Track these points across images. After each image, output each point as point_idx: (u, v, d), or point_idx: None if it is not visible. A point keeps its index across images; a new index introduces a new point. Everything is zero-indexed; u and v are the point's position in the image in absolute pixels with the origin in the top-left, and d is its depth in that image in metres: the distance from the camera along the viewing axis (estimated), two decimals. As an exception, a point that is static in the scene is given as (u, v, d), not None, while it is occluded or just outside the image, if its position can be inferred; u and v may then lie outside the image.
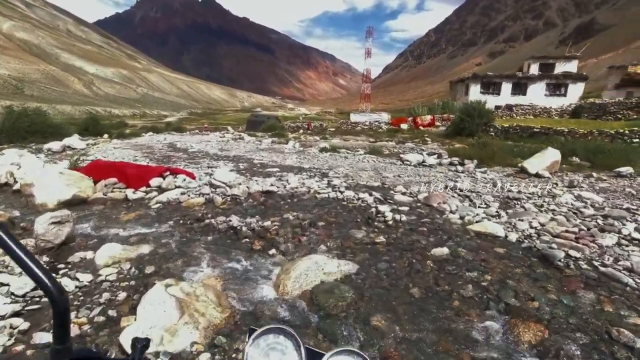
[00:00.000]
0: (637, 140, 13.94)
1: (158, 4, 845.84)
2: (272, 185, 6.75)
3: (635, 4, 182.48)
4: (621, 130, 14.22)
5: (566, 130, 15.62)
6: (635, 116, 23.45)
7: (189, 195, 6.04)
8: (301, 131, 31.19)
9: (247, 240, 4.16)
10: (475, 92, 32.19)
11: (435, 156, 10.75)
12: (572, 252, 3.54)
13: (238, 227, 4.41)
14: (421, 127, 27.67)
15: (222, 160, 11.75)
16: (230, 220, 4.61)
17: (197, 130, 39.74)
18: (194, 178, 7.22)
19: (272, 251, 3.86)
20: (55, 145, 16.56)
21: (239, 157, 13.19)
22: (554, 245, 3.72)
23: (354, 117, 36.52)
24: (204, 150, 16.34)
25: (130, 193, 6.11)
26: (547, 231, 4.12)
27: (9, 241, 0.40)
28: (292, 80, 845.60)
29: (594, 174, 7.90)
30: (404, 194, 6.16)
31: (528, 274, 3.26)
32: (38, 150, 16.38)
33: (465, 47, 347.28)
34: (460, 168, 8.61)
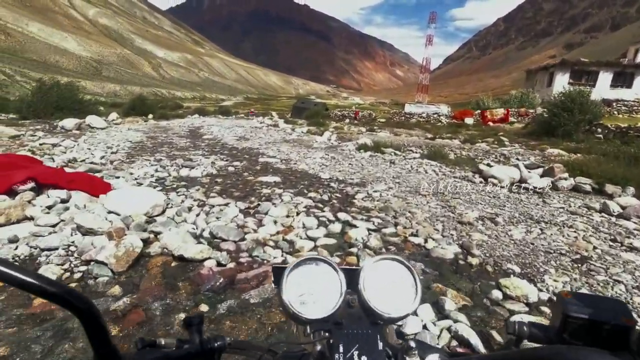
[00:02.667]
0: None
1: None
2: (213, 242, 3.04)
3: None
4: None
5: None
6: None
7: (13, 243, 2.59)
8: (347, 121, 27.19)
9: None
10: (561, 83, 25.74)
11: (540, 171, 6.41)
12: None
13: None
14: (490, 123, 22.40)
15: (217, 155, 8.35)
16: None
17: (242, 115, 37.53)
18: (97, 195, 3.78)
19: None
20: (69, 123, 14.49)
21: (249, 149, 9.72)
22: None
23: (408, 108, 31.72)
24: (220, 137, 13.20)
25: None
26: None
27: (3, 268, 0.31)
28: (348, 70, 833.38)
29: None
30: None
31: None
32: (53, 127, 14.38)
33: (538, 37, 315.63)
34: (613, 207, 4.19)
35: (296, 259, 0.54)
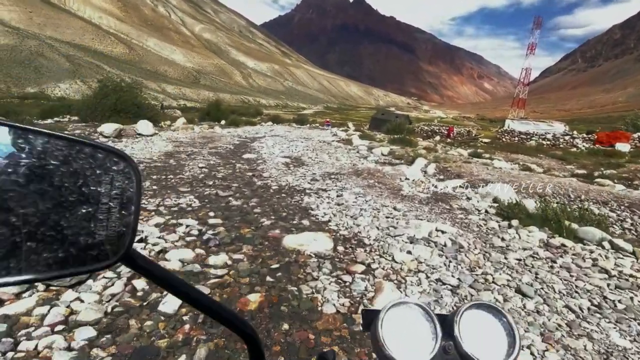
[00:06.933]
0: None
1: (314, 7, 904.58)
2: None
3: None
4: None
5: None
6: None
7: None
8: (437, 138, 21.57)
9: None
10: None
11: None
12: None
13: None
14: (658, 152, 14.93)
15: (212, 215, 4.10)
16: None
17: (318, 124, 34.00)
18: None
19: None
20: (108, 128, 11.78)
21: (287, 193, 5.31)
22: None
23: (511, 125, 24.72)
24: (267, 157, 9.13)
25: None
26: None
27: (194, 294, 0.41)
28: (431, 82, 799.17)
29: None
30: None
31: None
32: (91, 133, 11.90)
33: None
34: None
35: (390, 303, 0.53)
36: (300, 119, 37.71)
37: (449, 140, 20.58)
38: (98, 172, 0.32)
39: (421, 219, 4.44)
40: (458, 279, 2.87)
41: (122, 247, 0.33)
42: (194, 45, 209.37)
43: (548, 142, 17.80)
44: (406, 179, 7.28)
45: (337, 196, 5.46)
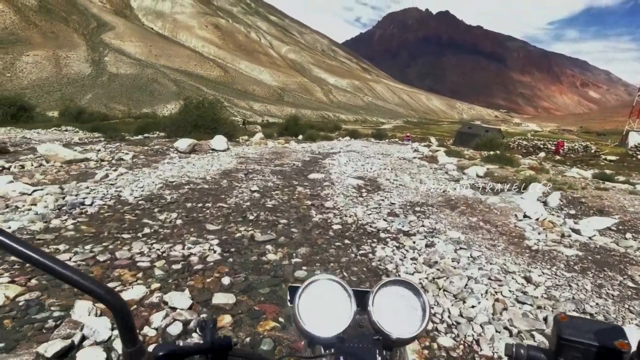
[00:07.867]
0: None
1: (395, 22, 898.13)
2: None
3: None
4: None
5: None
6: None
7: None
8: (541, 155, 17.84)
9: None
10: None
11: None
12: None
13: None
14: None
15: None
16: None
17: (397, 139, 32.04)
18: None
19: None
20: (183, 144, 11.72)
21: (359, 235, 3.69)
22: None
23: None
24: (335, 178, 7.69)
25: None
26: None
27: (47, 261, 0.37)
28: (523, 92, 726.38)
29: None
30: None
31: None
32: (168, 148, 11.99)
33: None
34: None
35: (310, 279, 0.54)
36: (379, 134, 36.32)
37: (557, 157, 16.85)
38: None
39: (589, 313, 2.41)
40: None
41: None
42: (280, 66, 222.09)
43: None
44: (525, 216, 5.07)
45: (427, 245, 3.64)
